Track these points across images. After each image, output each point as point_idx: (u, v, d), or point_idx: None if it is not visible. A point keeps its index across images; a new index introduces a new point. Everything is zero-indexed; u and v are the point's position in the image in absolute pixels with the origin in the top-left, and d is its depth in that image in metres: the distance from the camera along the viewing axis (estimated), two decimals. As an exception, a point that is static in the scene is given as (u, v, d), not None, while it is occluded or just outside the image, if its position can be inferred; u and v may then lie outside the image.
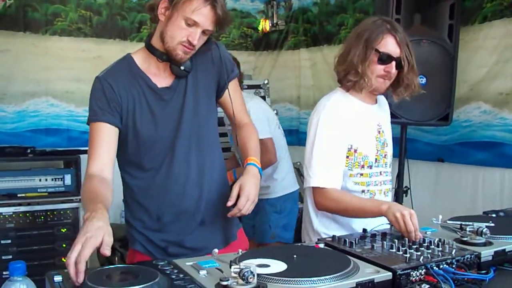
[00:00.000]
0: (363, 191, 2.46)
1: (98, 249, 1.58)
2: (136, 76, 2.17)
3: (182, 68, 2.17)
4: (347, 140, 2.41)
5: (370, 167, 2.47)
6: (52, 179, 4.35)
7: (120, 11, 5.14)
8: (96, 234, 1.59)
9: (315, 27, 5.48)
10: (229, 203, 2.06)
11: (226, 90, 2.33)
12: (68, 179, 4.39)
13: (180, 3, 2.02)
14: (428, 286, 1.59)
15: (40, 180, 4.31)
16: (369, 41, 2.35)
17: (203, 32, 2.09)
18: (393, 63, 2.36)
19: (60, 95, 4.89)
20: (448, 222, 2.09)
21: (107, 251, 1.58)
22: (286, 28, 5.79)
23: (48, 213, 4.20)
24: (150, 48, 2.19)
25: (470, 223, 1.99)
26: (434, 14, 3.53)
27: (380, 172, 2.52)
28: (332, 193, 2.35)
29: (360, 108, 2.48)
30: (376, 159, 2.49)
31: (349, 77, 2.40)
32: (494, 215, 2.49)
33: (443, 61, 3.56)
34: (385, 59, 2.36)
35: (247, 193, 2.06)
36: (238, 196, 2.06)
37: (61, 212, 4.24)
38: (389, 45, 2.36)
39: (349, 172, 2.43)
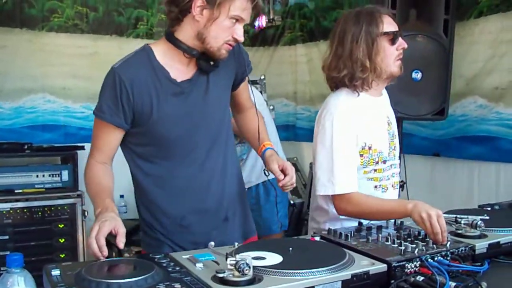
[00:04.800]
0: (375, 187, 2.39)
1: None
2: (156, 69, 2.08)
3: (211, 63, 2.11)
4: (362, 139, 2.32)
5: (384, 162, 2.39)
6: (50, 175, 4.36)
7: (117, 7, 5.14)
8: (111, 221, 1.78)
9: (311, 22, 5.47)
10: (281, 177, 2.15)
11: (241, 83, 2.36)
12: (65, 175, 4.40)
13: (225, 3, 1.95)
14: (422, 278, 1.60)
15: (37, 176, 4.32)
16: (370, 30, 2.27)
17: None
18: (401, 38, 2.32)
19: (57, 92, 4.89)
20: (444, 215, 2.10)
21: (121, 243, 1.74)
22: (282, 24, 5.78)
23: (46, 208, 4.21)
24: (176, 42, 2.08)
25: (465, 216, 2.01)
26: (429, 9, 3.53)
27: (391, 165, 2.46)
28: (355, 197, 2.26)
29: (370, 103, 2.40)
30: (388, 153, 2.43)
31: (357, 76, 2.29)
32: (489, 208, 2.50)
33: (438, 56, 3.57)
34: (396, 36, 2.30)
35: (289, 166, 2.19)
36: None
37: (59, 208, 4.25)
38: (390, 23, 2.32)
39: (363, 169, 2.35)
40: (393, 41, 2.30)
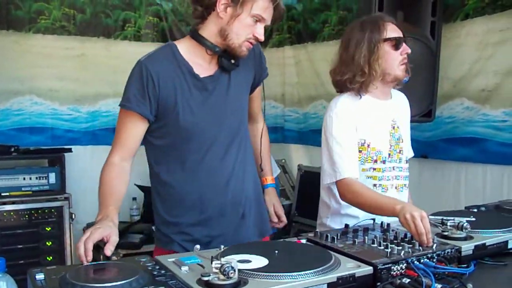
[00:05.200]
0: (374, 185, 2.46)
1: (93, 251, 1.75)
2: (180, 64, 2.20)
3: (232, 61, 2.21)
4: (360, 135, 2.43)
5: (383, 162, 2.48)
6: (37, 178, 4.34)
7: (104, 9, 5.11)
8: (106, 228, 1.83)
9: (299, 24, 5.48)
10: (275, 220, 2.61)
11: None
12: (52, 178, 4.37)
13: (248, 2, 2.08)
14: (408, 280, 1.60)
15: (24, 178, 4.29)
16: (373, 37, 2.39)
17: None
18: (404, 44, 2.44)
19: (44, 94, 4.85)
20: (430, 217, 2.10)
21: (109, 251, 1.78)
22: (270, 26, 5.76)
23: (33, 211, 4.19)
24: (200, 39, 2.20)
25: (451, 218, 2.01)
26: (416, 11, 3.54)
27: (393, 168, 2.51)
28: (353, 185, 2.33)
29: (373, 105, 2.49)
30: (389, 154, 2.50)
31: (356, 79, 2.41)
32: (475, 210, 2.51)
33: (425, 58, 3.57)
34: (398, 42, 2.42)
35: (280, 211, 2.61)
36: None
37: (46, 210, 4.23)
38: (393, 30, 2.44)
39: (361, 166, 2.44)
40: (396, 47, 2.42)
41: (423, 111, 3.62)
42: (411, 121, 3.80)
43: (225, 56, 2.20)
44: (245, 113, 2.40)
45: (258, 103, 2.54)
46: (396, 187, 2.54)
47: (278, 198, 2.63)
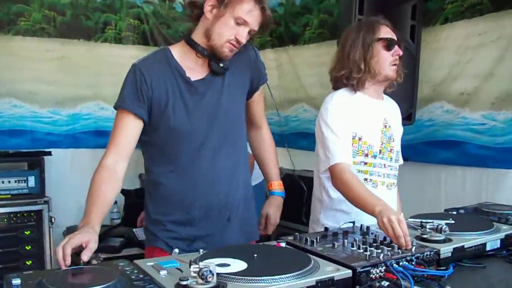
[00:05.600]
0: (365, 180, 2.50)
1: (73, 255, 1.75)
2: (173, 68, 2.24)
3: (221, 65, 2.24)
4: (354, 128, 2.49)
5: (374, 157, 2.54)
6: (16, 181, 4.30)
7: (85, 11, 5.07)
8: (84, 234, 1.83)
9: (280, 27, 5.48)
10: (262, 232, 2.57)
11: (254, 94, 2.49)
12: (31, 181, 4.34)
13: (232, 3, 2.13)
14: (388, 283, 1.61)
15: (3, 182, 4.26)
16: (368, 37, 2.49)
17: (249, 32, 2.21)
18: (397, 46, 2.51)
19: (24, 96, 4.80)
20: (409, 220, 2.12)
21: (86, 257, 1.75)
22: (259, 32, 5.75)
23: (12, 215, 4.15)
24: (191, 42, 2.25)
25: (431, 220, 2.03)
26: (396, 15, 3.55)
27: (385, 165, 2.57)
28: (345, 174, 2.37)
29: (366, 102, 2.56)
30: (380, 150, 2.55)
31: (353, 76, 2.50)
32: (454, 213, 2.53)
33: (405, 62, 3.53)
34: (390, 43, 2.50)
35: (274, 222, 2.59)
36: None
37: (25, 214, 4.19)
38: (387, 32, 2.53)
39: (352, 159, 2.47)
40: (388, 47, 2.50)
41: (404, 114, 3.62)
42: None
43: (215, 60, 2.24)
44: (240, 118, 2.42)
45: (260, 108, 2.58)
46: (387, 185, 2.59)
47: (279, 208, 2.63)
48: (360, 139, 2.50)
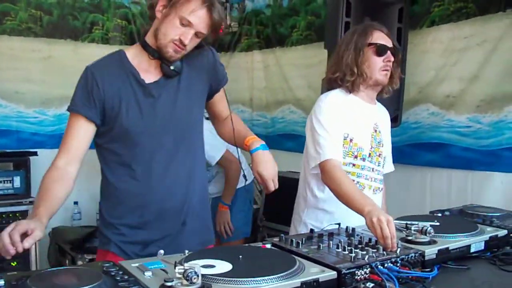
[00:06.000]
0: (352, 181, 2.48)
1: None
2: (126, 71, 2.20)
3: (171, 68, 2.20)
4: (346, 129, 2.50)
5: (363, 159, 2.55)
6: (1, 182, 4.27)
7: (72, 11, 5.05)
8: (31, 222, 1.81)
9: (268, 29, 5.49)
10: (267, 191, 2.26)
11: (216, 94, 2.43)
12: (17, 181, 4.31)
13: (178, 2, 2.08)
14: (372, 284, 1.62)
15: (-12, 182, 4.22)
16: (359, 41, 2.52)
17: (196, 34, 2.14)
18: (389, 52, 2.52)
19: (9, 96, 4.77)
20: (395, 221, 2.12)
21: (27, 244, 1.73)
22: (239, 30, 5.78)
23: (-3, 216, 4.10)
24: (144, 44, 2.22)
25: (416, 222, 2.04)
26: (383, 17, 3.56)
27: (373, 169, 2.59)
28: (336, 170, 2.39)
29: (359, 105, 2.58)
30: (370, 154, 2.57)
31: (346, 78, 2.52)
32: (439, 215, 2.54)
33: (392, 64, 3.61)
34: (381, 50, 2.50)
35: (269, 176, 2.24)
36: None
37: (10, 215, 4.16)
38: (380, 37, 2.53)
39: (342, 160, 2.48)
40: (379, 53, 2.51)
41: (390, 117, 3.65)
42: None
43: (165, 62, 2.20)
44: (196, 121, 2.37)
45: (224, 104, 2.50)
46: (373, 189, 2.60)
47: (267, 161, 2.27)
48: (351, 140, 2.52)
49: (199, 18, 2.11)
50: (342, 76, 2.54)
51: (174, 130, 2.24)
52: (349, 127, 2.51)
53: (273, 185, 2.24)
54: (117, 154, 2.23)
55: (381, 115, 2.74)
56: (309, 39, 4.95)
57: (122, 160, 2.22)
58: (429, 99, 3.84)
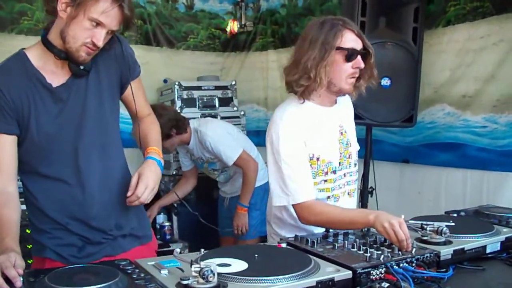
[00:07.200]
0: (328, 197, 2.36)
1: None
2: (31, 76, 2.02)
3: (81, 67, 2.03)
4: (309, 150, 2.28)
5: (334, 172, 2.35)
6: None
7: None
8: (10, 256, 1.66)
9: (283, 28, 5.50)
10: (129, 193, 2.02)
11: (129, 88, 2.24)
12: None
13: (86, 3, 1.88)
14: (388, 284, 1.61)
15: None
16: (327, 42, 2.20)
17: (107, 32, 1.98)
18: (359, 57, 2.23)
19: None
20: (410, 221, 2.12)
21: (19, 283, 1.55)
22: (254, 30, 5.79)
23: None
24: (47, 44, 2.01)
25: (431, 222, 2.03)
26: (398, 17, 3.57)
27: (344, 174, 2.41)
28: (316, 206, 2.22)
29: (319, 113, 2.34)
30: (340, 162, 2.38)
31: (300, 82, 2.24)
32: (455, 215, 2.53)
33: (407, 64, 3.60)
34: (351, 54, 2.21)
35: (145, 181, 2.03)
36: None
37: None
38: (350, 40, 2.23)
39: (313, 180, 2.29)
40: (348, 58, 2.23)
41: (405, 116, 3.65)
42: (393, 126, 3.85)
43: (74, 62, 2.02)
44: (112, 120, 2.21)
45: (140, 100, 2.31)
46: (348, 193, 2.46)
47: (152, 172, 2.10)
48: (318, 159, 2.30)
49: (111, 17, 1.93)
50: (297, 79, 2.25)
51: (88, 132, 2.10)
52: (313, 147, 2.29)
53: (142, 190, 2.02)
54: (32, 162, 2.09)
55: (343, 110, 2.49)
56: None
57: (38, 167, 2.09)
58: (445, 99, 3.82)
